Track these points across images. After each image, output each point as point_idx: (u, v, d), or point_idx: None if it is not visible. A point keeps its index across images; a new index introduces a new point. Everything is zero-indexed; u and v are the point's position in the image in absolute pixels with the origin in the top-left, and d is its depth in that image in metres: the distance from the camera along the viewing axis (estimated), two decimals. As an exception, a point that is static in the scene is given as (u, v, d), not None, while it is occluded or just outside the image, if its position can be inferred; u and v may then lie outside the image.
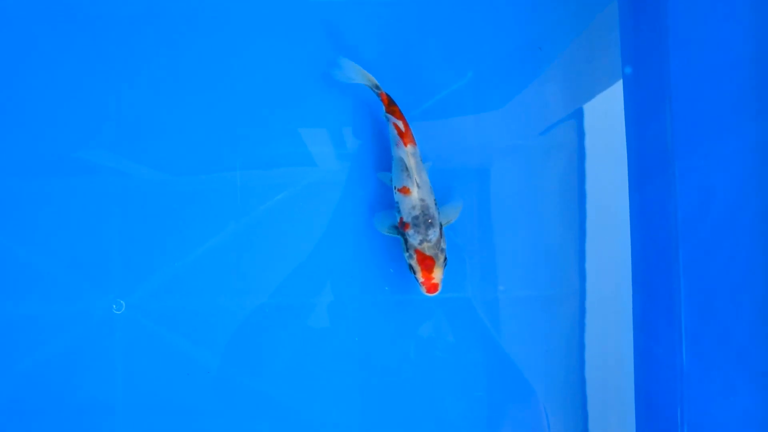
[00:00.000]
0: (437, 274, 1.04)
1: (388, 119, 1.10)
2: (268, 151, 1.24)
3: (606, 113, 1.25)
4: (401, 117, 1.09)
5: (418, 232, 1.04)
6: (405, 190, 1.06)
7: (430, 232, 1.05)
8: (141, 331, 1.23)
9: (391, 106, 1.09)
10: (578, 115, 1.25)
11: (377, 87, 1.11)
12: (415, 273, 1.05)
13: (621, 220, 1.25)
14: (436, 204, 1.09)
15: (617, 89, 1.25)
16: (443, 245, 1.06)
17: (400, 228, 1.09)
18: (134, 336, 1.23)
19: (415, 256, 1.05)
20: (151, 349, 1.23)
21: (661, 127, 1.13)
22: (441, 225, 1.08)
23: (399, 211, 1.09)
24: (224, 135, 1.24)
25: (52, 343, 1.23)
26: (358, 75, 1.12)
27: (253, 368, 1.23)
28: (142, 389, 1.23)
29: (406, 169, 1.06)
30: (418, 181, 1.06)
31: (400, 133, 1.07)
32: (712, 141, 1.03)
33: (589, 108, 1.25)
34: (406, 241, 1.07)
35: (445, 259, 1.06)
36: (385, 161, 1.22)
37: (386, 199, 1.20)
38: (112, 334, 1.23)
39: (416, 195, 1.06)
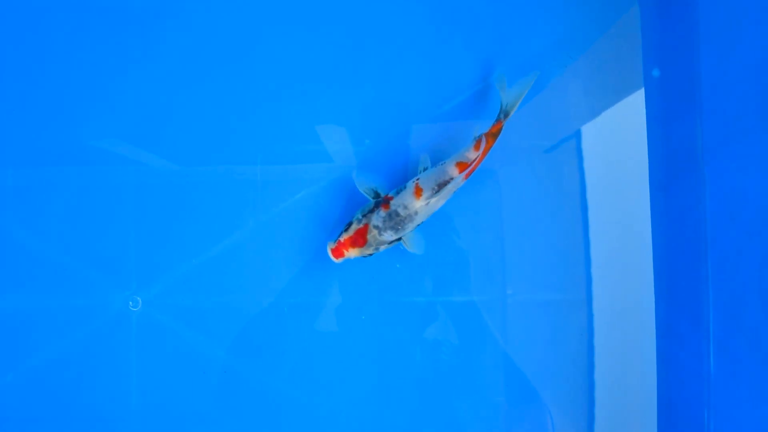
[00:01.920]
0: (351, 253, 1.08)
1: (474, 140, 1.09)
2: (290, 148, 1.22)
3: (626, 115, 1.24)
4: (484, 154, 1.09)
5: (384, 221, 1.07)
6: (418, 192, 1.07)
7: (389, 232, 1.07)
8: (157, 328, 1.21)
9: (494, 138, 1.10)
10: (599, 118, 1.24)
11: (506, 115, 1.11)
12: (343, 231, 1.08)
13: (640, 223, 1.23)
14: (416, 226, 1.10)
15: (639, 92, 1.23)
16: (380, 249, 1.09)
17: (378, 198, 1.10)
18: (150, 333, 1.21)
19: (359, 227, 1.08)
20: (166, 347, 1.21)
21: (691, 130, 1.12)
22: (397, 240, 1.10)
23: (396, 193, 1.09)
24: (246, 132, 1.22)
25: (68, 338, 1.21)
26: (517, 94, 1.12)
27: (269, 367, 1.22)
28: (157, 386, 1.21)
29: (438, 185, 1.07)
30: (432, 201, 1.07)
31: (467, 164, 1.08)
32: (744, 143, 1.02)
33: (609, 110, 1.24)
34: (371, 210, 1.09)
35: (369, 255, 1.09)
36: (402, 164, 1.21)
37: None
38: (128, 330, 1.21)
39: (419, 205, 1.07)
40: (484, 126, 1.15)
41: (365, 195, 1.13)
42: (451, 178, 1.07)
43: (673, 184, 1.18)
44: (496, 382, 1.22)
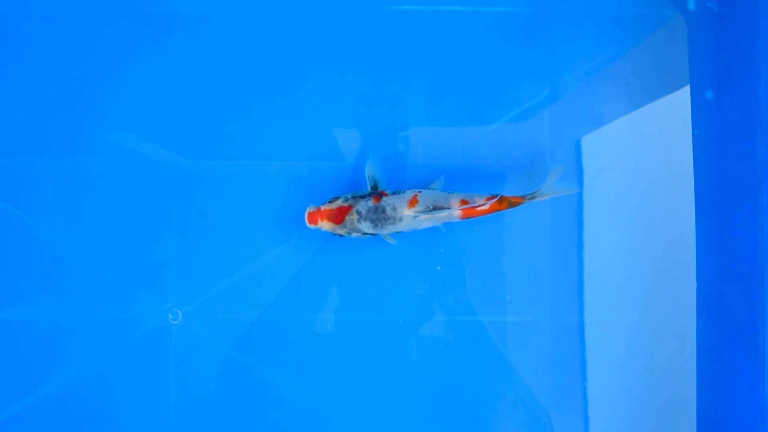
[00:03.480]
0: (324, 225, 1.09)
1: (491, 194, 1.09)
2: (335, 160, 1.20)
3: (671, 137, 1.22)
4: (490, 211, 1.09)
5: (368, 211, 1.08)
6: (412, 203, 1.08)
7: (367, 224, 1.08)
8: (196, 343, 1.19)
9: (508, 206, 1.10)
10: (642, 137, 1.22)
11: (533, 198, 1.11)
12: (327, 202, 1.10)
13: (683, 246, 1.21)
14: (395, 232, 1.11)
15: (685, 112, 1.21)
16: (352, 235, 1.10)
17: (374, 190, 1.12)
18: (189, 347, 1.20)
19: (343, 205, 1.09)
20: (206, 361, 1.20)
21: (749, 153, 1.10)
22: (370, 234, 1.10)
23: (393, 193, 1.10)
24: (292, 144, 1.21)
25: (106, 350, 1.19)
26: (555, 190, 1.12)
27: (310, 384, 1.20)
28: (195, 401, 1.19)
29: (434, 207, 1.08)
30: (420, 218, 1.08)
31: (471, 208, 1.08)
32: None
33: (654, 130, 1.22)
34: (362, 196, 1.10)
35: (339, 235, 1.10)
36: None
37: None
38: (167, 344, 1.19)
39: (406, 214, 1.08)
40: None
41: (366, 180, 1.13)
42: (449, 209, 1.07)
43: (727, 208, 1.16)
44: (498, 384, 1.19)
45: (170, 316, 1.20)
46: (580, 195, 1.21)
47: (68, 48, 1.22)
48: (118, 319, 1.19)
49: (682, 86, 1.21)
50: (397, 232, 1.11)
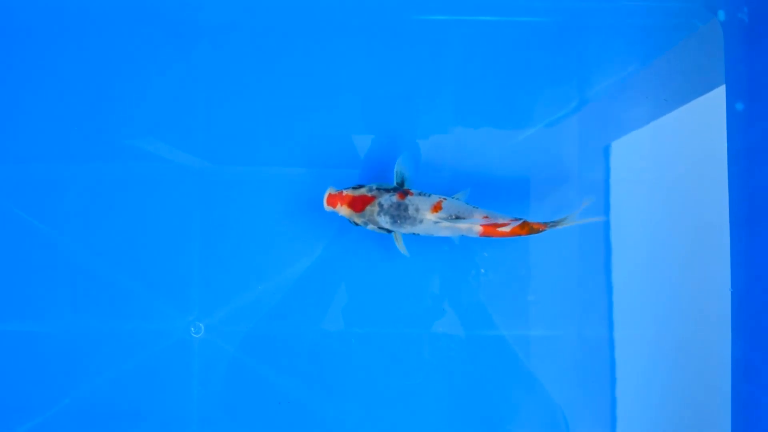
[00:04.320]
0: (342, 211, 1.08)
1: (514, 217, 1.07)
2: (361, 168, 1.19)
3: (702, 149, 1.20)
4: (510, 234, 1.06)
5: (391, 206, 1.06)
6: (436, 208, 1.06)
7: (386, 218, 1.06)
8: (219, 356, 1.18)
9: (529, 231, 1.07)
10: (672, 149, 1.20)
11: (555, 225, 1.08)
12: (351, 188, 1.09)
13: (715, 259, 1.19)
14: (411, 233, 1.09)
15: (716, 124, 1.20)
16: (368, 227, 1.09)
17: (401, 186, 1.10)
18: (212, 360, 1.18)
19: (367, 194, 1.07)
20: (229, 375, 1.18)
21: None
22: (386, 230, 1.09)
23: (419, 194, 1.08)
24: (319, 151, 1.19)
25: (128, 363, 1.18)
26: (574, 219, 1.09)
27: (334, 397, 1.18)
28: (218, 416, 1.18)
29: (456, 217, 1.06)
30: (440, 224, 1.06)
31: (491, 225, 1.06)
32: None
33: (684, 142, 1.20)
34: (387, 190, 1.08)
35: (354, 223, 1.09)
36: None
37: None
38: (189, 357, 1.18)
39: (428, 217, 1.06)
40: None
41: (394, 175, 1.11)
42: (470, 221, 1.05)
43: (757, 221, 1.15)
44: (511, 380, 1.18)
45: (192, 329, 1.18)
46: (608, 207, 1.20)
47: (91, 54, 1.20)
48: (140, 331, 1.18)
49: (712, 98, 1.19)
50: (413, 234, 1.09)
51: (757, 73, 1.17)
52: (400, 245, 1.12)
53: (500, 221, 1.06)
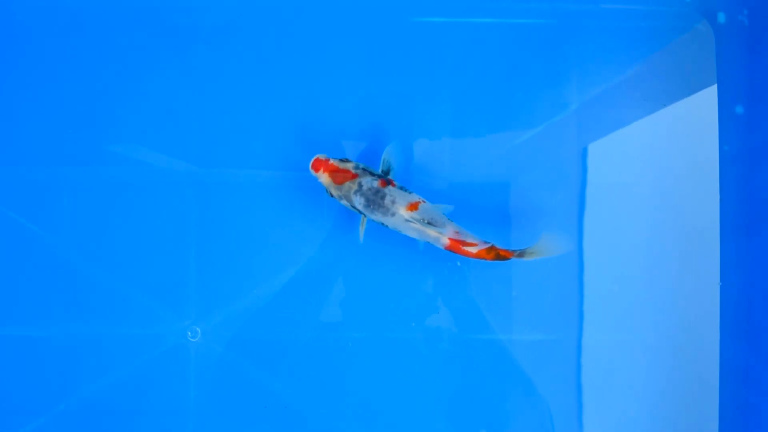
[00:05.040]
0: (323, 178, 1.08)
1: (484, 240, 1.06)
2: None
3: (700, 153, 1.20)
4: (474, 255, 1.06)
5: (369, 189, 1.06)
6: (412, 207, 1.05)
7: (361, 199, 1.06)
8: (216, 361, 1.18)
9: (494, 257, 1.06)
10: (670, 153, 1.20)
11: (521, 255, 1.06)
12: (339, 160, 1.09)
13: (707, 263, 1.19)
14: (380, 223, 1.09)
15: (712, 130, 1.19)
16: (341, 201, 1.09)
17: (386, 175, 1.10)
18: (209, 366, 1.18)
19: (352, 171, 1.07)
20: (225, 380, 1.18)
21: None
22: (357, 211, 1.09)
23: (401, 188, 1.08)
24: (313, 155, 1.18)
25: (123, 368, 1.17)
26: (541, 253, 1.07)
27: (332, 403, 1.18)
28: (215, 422, 1.17)
29: (429, 222, 1.05)
30: (410, 224, 1.05)
31: (458, 240, 1.06)
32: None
33: (682, 146, 1.20)
34: (371, 173, 1.08)
35: (329, 194, 1.10)
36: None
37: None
38: (186, 362, 1.18)
39: (400, 212, 1.05)
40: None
41: (381, 161, 1.11)
42: (440, 230, 1.05)
43: (754, 225, 1.14)
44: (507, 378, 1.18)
45: (189, 333, 1.18)
46: (603, 212, 1.19)
47: (87, 59, 1.19)
48: (136, 336, 1.17)
49: (712, 101, 1.18)
50: (381, 224, 1.09)
51: (757, 76, 1.16)
52: (362, 230, 1.12)
53: (467, 240, 1.06)
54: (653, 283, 1.19)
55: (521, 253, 1.05)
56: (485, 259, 1.06)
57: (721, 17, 1.19)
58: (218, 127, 1.19)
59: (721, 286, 1.17)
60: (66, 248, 1.18)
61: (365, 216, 1.10)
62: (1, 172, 1.18)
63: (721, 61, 1.19)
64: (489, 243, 1.06)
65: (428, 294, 1.18)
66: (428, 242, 1.08)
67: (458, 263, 1.18)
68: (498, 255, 1.06)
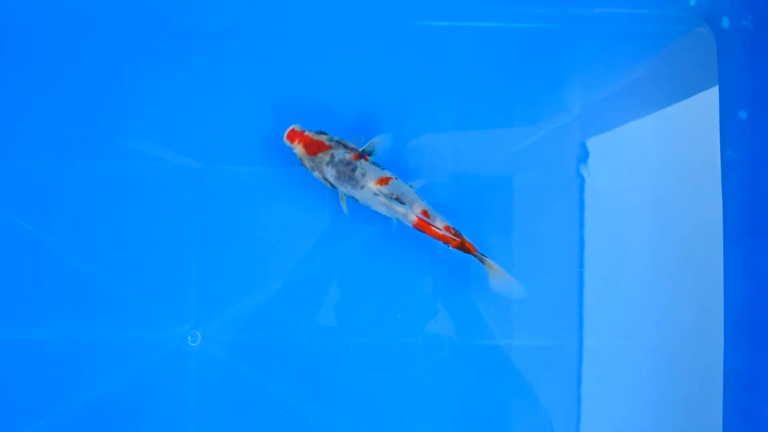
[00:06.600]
0: (297, 149, 1.09)
1: (454, 229, 1.06)
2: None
3: (703, 159, 1.19)
4: (439, 237, 1.06)
5: (341, 161, 1.06)
6: (382, 182, 1.05)
7: (332, 171, 1.06)
8: (217, 365, 1.17)
9: (458, 246, 1.06)
10: (673, 158, 1.19)
11: (482, 261, 1.07)
12: (316, 132, 1.09)
13: (710, 270, 1.18)
14: (350, 196, 1.09)
15: (714, 134, 1.19)
16: (314, 173, 1.09)
17: (362, 151, 1.10)
18: (209, 370, 1.17)
19: (326, 144, 1.07)
20: (226, 384, 1.17)
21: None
22: (329, 184, 1.09)
23: (373, 163, 1.08)
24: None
25: (123, 372, 1.17)
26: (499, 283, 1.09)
27: (334, 408, 1.17)
28: (214, 426, 1.17)
29: (397, 198, 1.05)
30: (377, 198, 1.05)
31: (426, 226, 1.06)
32: None
33: (685, 152, 1.19)
34: (345, 147, 1.08)
35: (302, 164, 1.10)
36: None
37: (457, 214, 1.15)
38: (186, 366, 1.17)
39: (370, 185, 1.05)
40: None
41: (367, 142, 1.11)
42: (407, 208, 1.05)
43: (759, 231, 1.14)
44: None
45: (189, 337, 1.17)
46: (605, 216, 1.19)
47: (88, 57, 1.19)
48: (136, 340, 1.17)
49: (714, 105, 1.18)
50: (351, 198, 1.09)
51: (761, 81, 1.16)
52: (343, 203, 1.11)
53: (436, 224, 1.06)
54: (655, 289, 1.19)
55: (483, 258, 1.06)
56: (447, 244, 1.06)
57: (725, 22, 1.19)
58: (220, 128, 1.19)
59: (724, 292, 1.17)
60: (66, 252, 1.17)
61: (337, 188, 1.09)
62: (1, 173, 1.18)
63: (724, 66, 1.19)
64: (458, 231, 1.06)
65: (429, 299, 1.18)
66: (399, 220, 1.08)
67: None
68: (463, 246, 1.06)
